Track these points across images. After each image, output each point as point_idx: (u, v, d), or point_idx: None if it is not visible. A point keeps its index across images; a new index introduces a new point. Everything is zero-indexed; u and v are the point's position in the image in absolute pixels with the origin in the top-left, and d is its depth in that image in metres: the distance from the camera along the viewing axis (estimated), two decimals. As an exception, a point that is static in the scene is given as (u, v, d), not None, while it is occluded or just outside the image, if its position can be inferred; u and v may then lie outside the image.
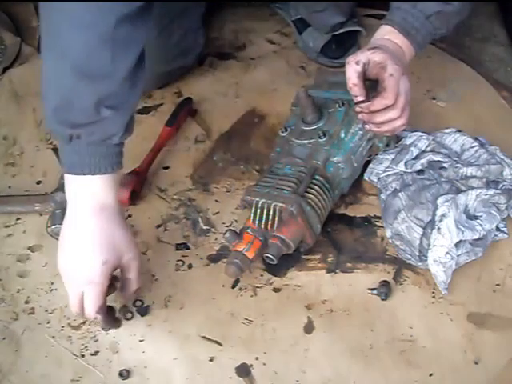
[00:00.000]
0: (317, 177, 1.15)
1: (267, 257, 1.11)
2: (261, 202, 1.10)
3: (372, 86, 1.11)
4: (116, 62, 0.92)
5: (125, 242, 1.01)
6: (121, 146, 1.00)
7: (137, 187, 1.27)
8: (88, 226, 0.98)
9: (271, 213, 1.09)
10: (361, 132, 1.19)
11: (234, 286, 1.16)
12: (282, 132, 1.21)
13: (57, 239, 1.22)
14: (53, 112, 0.94)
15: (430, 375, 1.04)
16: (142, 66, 0.98)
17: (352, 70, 1.08)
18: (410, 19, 1.11)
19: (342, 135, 1.18)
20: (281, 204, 1.08)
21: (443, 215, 1.10)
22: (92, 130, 0.95)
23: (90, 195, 0.98)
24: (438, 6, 1.11)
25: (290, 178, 1.13)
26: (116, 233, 1.00)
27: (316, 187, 1.13)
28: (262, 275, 1.18)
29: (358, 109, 1.11)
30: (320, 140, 1.16)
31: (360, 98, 1.09)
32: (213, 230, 1.25)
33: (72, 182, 0.98)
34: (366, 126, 1.14)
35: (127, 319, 1.13)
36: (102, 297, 1.00)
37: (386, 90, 1.07)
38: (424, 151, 1.22)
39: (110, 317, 1.06)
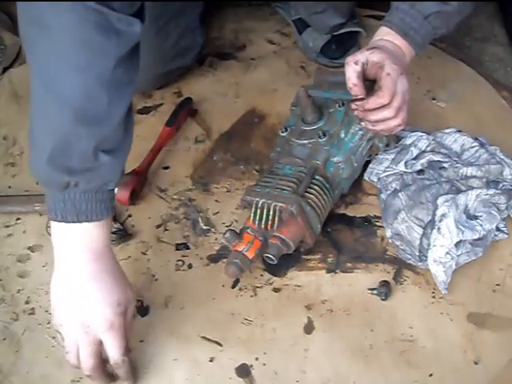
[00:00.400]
0: (317, 177, 1.15)
1: (267, 257, 1.11)
2: (261, 202, 1.10)
3: (371, 86, 1.11)
4: (113, 104, 0.88)
5: (126, 284, 0.99)
6: (114, 190, 0.97)
7: (137, 187, 1.28)
8: (91, 272, 0.93)
9: (271, 213, 1.09)
10: (361, 132, 1.19)
11: (234, 286, 1.16)
12: (282, 132, 1.21)
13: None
14: (48, 158, 0.88)
15: (430, 375, 1.04)
16: (132, 108, 0.96)
17: (351, 70, 1.08)
18: (408, 20, 1.11)
19: (342, 135, 1.18)
20: (281, 204, 1.08)
21: (443, 215, 1.10)
22: (90, 177, 0.91)
23: (87, 241, 0.93)
24: (436, 6, 1.10)
25: (290, 178, 1.13)
26: (117, 275, 0.97)
27: (316, 187, 1.13)
28: (262, 275, 1.18)
29: (353, 106, 1.11)
30: (320, 140, 1.16)
31: (357, 97, 1.09)
32: (213, 229, 1.25)
33: (63, 231, 0.93)
34: (362, 123, 1.15)
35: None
36: (124, 338, 0.95)
37: (381, 89, 1.07)
38: (424, 151, 1.22)
39: (309, 102, 1.12)
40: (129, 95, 0.93)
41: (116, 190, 1.18)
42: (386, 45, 1.11)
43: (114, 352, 0.95)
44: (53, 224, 0.93)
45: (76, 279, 0.93)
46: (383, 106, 1.08)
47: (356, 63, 1.08)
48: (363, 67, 1.08)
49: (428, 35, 1.14)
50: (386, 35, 1.13)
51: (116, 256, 0.99)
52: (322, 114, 1.20)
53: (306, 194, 1.12)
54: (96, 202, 0.92)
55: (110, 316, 0.93)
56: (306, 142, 1.18)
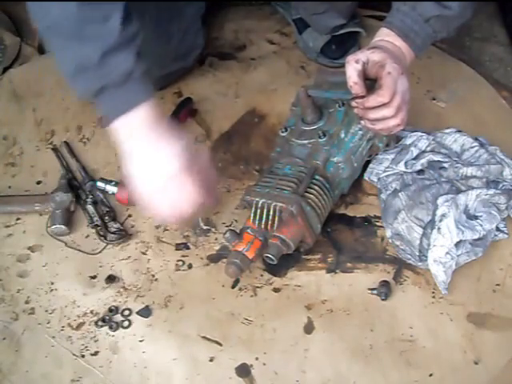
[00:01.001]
0: (317, 177, 1.15)
1: (267, 257, 1.11)
2: (261, 202, 1.10)
3: (372, 85, 1.11)
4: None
5: (181, 138, 1.05)
6: (144, 75, 1.03)
7: None
8: (159, 142, 1.02)
9: (271, 213, 1.09)
10: (361, 132, 1.19)
11: (233, 286, 1.16)
12: (282, 132, 1.21)
13: (57, 239, 1.23)
14: (71, 79, 1.01)
15: (430, 375, 1.04)
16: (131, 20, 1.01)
17: (352, 68, 1.08)
18: (408, 22, 1.11)
19: (342, 135, 1.18)
20: (281, 204, 1.08)
21: (443, 215, 1.10)
22: (111, 77, 0.99)
23: (144, 122, 1.02)
24: (436, 10, 1.10)
25: (290, 178, 1.13)
26: (185, 140, 1.05)
27: (316, 187, 1.13)
28: (262, 275, 1.18)
29: (353, 104, 1.11)
30: (320, 140, 1.16)
31: (358, 95, 1.09)
32: (213, 229, 1.25)
33: (121, 126, 1.02)
34: (362, 122, 1.15)
35: (125, 323, 1.13)
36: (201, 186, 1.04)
37: (381, 88, 1.07)
38: (424, 151, 1.22)
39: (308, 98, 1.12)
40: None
41: (116, 190, 1.18)
42: (386, 45, 1.11)
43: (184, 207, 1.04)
44: (112, 126, 1.02)
45: (147, 156, 1.02)
46: (383, 105, 1.08)
47: (357, 62, 1.08)
48: (364, 66, 1.08)
49: (428, 38, 1.14)
50: (386, 36, 1.13)
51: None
52: (322, 114, 1.20)
53: (306, 194, 1.12)
54: (133, 91, 1.01)
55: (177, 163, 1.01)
56: (305, 142, 1.18)
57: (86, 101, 1.44)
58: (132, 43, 1.01)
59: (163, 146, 1.03)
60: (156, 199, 1.05)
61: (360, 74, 1.08)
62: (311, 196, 1.12)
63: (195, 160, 1.05)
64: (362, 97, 1.09)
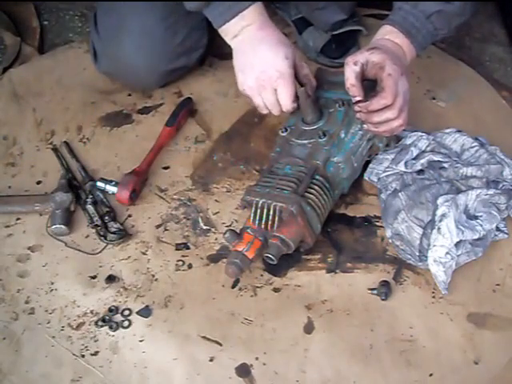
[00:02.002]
0: (317, 177, 1.15)
1: (267, 257, 1.11)
2: (261, 202, 1.10)
3: (370, 86, 1.11)
4: None
5: (289, 44, 1.15)
6: None
7: (137, 187, 1.28)
8: (259, 38, 1.14)
9: (271, 213, 1.09)
10: (361, 132, 1.19)
11: (234, 286, 1.16)
12: (282, 132, 1.21)
13: (57, 239, 1.23)
14: None
15: (430, 375, 1.04)
16: None
17: (350, 70, 1.08)
18: (410, 19, 1.11)
19: (342, 135, 1.18)
20: (281, 204, 1.08)
21: (443, 215, 1.10)
22: None
23: (249, 22, 1.14)
24: (438, 5, 1.11)
25: (290, 177, 1.13)
26: (281, 37, 1.15)
27: (316, 187, 1.13)
28: (262, 275, 1.18)
29: (356, 108, 1.11)
30: (320, 140, 1.16)
31: (358, 98, 1.10)
32: (213, 229, 1.25)
33: (229, 28, 1.15)
34: (364, 125, 1.15)
35: (125, 324, 1.13)
36: (294, 87, 1.14)
37: (384, 90, 1.07)
38: (424, 151, 1.22)
39: (308, 102, 1.16)
40: None
41: (116, 190, 1.18)
42: (386, 44, 1.12)
43: (283, 100, 1.14)
44: (223, 30, 1.16)
45: (248, 50, 1.15)
46: (386, 107, 1.09)
47: (355, 64, 1.08)
48: (362, 68, 1.08)
49: (429, 35, 1.14)
50: (387, 34, 1.13)
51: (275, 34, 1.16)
52: (321, 114, 1.20)
53: (306, 193, 1.12)
54: None
55: (278, 68, 1.12)
56: (306, 141, 1.18)
57: (86, 100, 1.45)
58: None
59: (266, 46, 1.13)
60: (255, 93, 1.16)
61: (358, 76, 1.08)
62: (311, 196, 1.12)
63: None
64: (365, 100, 1.09)
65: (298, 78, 1.17)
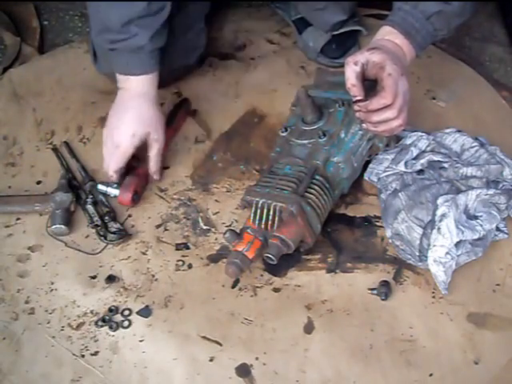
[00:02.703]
0: (317, 177, 1.15)
1: (267, 257, 1.11)
2: (261, 202, 1.10)
3: (370, 85, 1.11)
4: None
5: (154, 125, 1.25)
6: (155, 52, 1.24)
7: (139, 188, 1.28)
8: (127, 107, 1.24)
9: (271, 213, 1.09)
10: (361, 132, 1.19)
11: (234, 286, 1.16)
12: (282, 132, 1.21)
13: (57, 239, 1.23)
14: (96, 34, 1.27)
15: (430, 375, 1.04)
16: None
17: (350, 70, 1.09)
18: (410, 19, 1.12)
19: (342, 135, 1.18)
20: (281, 204, 1.08)
21: (443, 215, 1.10)
22: (125, 44, 1.21)
23: (133, 87, 1.24)
24: (438, 6, 1.11)
25: (290, 177, 1.13)
26: (149, 115, 1.25)
27: (316, 187, 1.13)
28: (262, 275, 1.18)
29: (356, 107, 1.11)
30: (320, 140, 1.16)
31: (359, 98, 1.10)
32: (213, 229, 1.25)
33: (121, 79, 1.26)
34: (364, 125, 1.15)
35: (124, 325, 1.13)
36: (123, 161, 1.25)
37: (384, 90, 1.07)
38: (424, 151, 1.22)
39: (309, 102, 1.17)
40: None
41: (118, 192, 1.19)
42: (386, 44, 1.12)
43: (110, 165, 1.26)
44: (117, 75, 1.27)
45: (116, 111, 1.26)
46: (385, 107, 1.09)
47: (355, 64, 1.08)
48: (363, 68, 1.08)
49: (429, 36, 1.14)
50: (387, 34, 1.13)
51: (157, 107, 1.27)
52: (322, 114, 1.20)
53: (306, 194, 1.12)
54: (137, 61, 1.23)
55: (120, 140, 1.24)
56: (306, 141, 1.18)
57: (86, 100, 1.45)
58: (155, 17, 1.20)
59: (127, 117, 1.24)
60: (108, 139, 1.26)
61: (358, 76, 1.08)
62: (311, 196, 1.12)
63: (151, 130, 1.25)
64: (365, 100, 1.09)
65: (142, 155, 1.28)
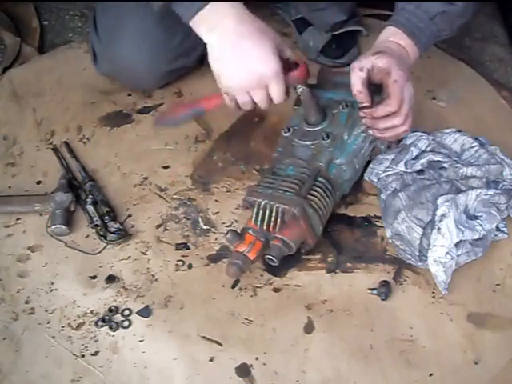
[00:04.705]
0: (319, 179, 1.14)
1: (268, 258, 1.10)
2: (263, 203, 1.10)
3: (376, 89, 1.11)
4: None
5: (271, 31, 1.08)
6: None
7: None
8: (240, 33, 1.05)
9: (273, 214, 1.09)
10: (364, 134, 1.19)
11: (233, 286, 1.16)
12: (285, 132, 1.21)
13: (57, 239, 1.23)
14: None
15: (430, 375, 1.04)
16: None
17: (356, 76, 1.08)
18: (414, 20, 1.11)
19: (345, 137, 1.17)
20: (283, 206, 1.08)
21: (443, 215, 1.10)
22: None
23: (225, 13, 1.05)
24: (441, 7, 1.11)
25: (293, 179, 1.13)
26: (262, 25, 1.07)
27: (318, 189, 1.13)
28: (262, 275, 1.18)
29: (361, 114, 1.11)
30: (323, 141, 1.15)
31: (365, 104, 1.09)
32: (213, 229, 1.25)
33: (202, 20, 1.06)
34: (370, 131, 1.15)
35: (125, 324, 1.13)
36: (284, 81, 1.08)
37: (389, 97, 1.07)
38: (424, 151, 1.22)
39: (312, 103, 1.13)
40: None
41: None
42: (391, 46, 1.11)
43: (276, 95, 1.09)
44: (195, 21, 1.07)
45: (230, 43, 1.05)
46: (392, 114, 1.09)
47: (361, 70, 1.08)
48: (368, 73, 1.08)
49: (432, 36, 1.14)
50: (391, 35, 1.13)
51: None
52: (325, 115, 1.19)
53: (309, 196, 1.12)
54: None
55: (270, 64, 1.05)
56: (309, 143, 1.17)
57: (86, 100, 1.45)
58: None
59: (249, 42, 1.05)
60: (242, 92, 1.09)
61: (364, 82, 1.08)
62: (314, 198, 1.12)
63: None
64: (370, 107, 1.09)
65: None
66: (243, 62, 1.06)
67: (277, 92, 1.08)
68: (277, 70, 1.06)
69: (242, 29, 1.05)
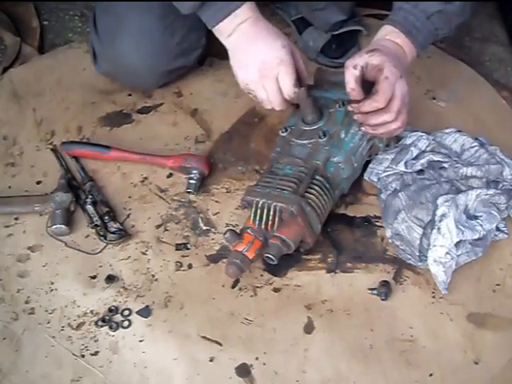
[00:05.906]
0: (317, 177, 1.15)
1: (267, 257, 1.11)
2: (261, 202, 1.10)
3: (371, 87, 1.11)
4: None
5: (284, 37, 1.15)
6: None
7: None
8: (254, 33, 1.14)
9: (271, 213, 1.09)
10: (361, 132, 1.19)
11: (233, 286, 1.16)
12: (283, 132, 1.21)
13: (57, 239, 1.23)
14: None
15: (430, 375, 1.05)
16: None
17: (350, 74, 1.09)
18: (411, 18, 1.12)
19: (342, 135, 1.18)
20: (281, 204, 1.08)
21: (443, 215, 1.10)
22: None
23: (242, 19, 1.13)
24: (439, 5, 1.11)
25: (291, 178, 1.13)
26: (275, 29, 1.16)
27: (316, 187, 1.13)
28: (262, 275, 1.18)
29: (349, 108, 1.12)
30: (320, 140, 1.16)
31: (352, 99, 1.10)
32: (213, 230, 1.25)
33: (223, 28, 1.15)
34: (362, 128, 1.15)
35: (125, 324, 1.13)
36: (294, 72, 1.14)
37: (377, 93, 1.07)
38: (424, 151, 1.22)
39: (309, 102, 1.16)
40: None
41: None
42: (387, 45, 1.12)
43: (285, 85, 1.14)
44: (218, 29, 1.16)
45: (246, 43, 1.15)
46: (382, 111, 1.09)
47: (355, 67, 1.08)
48: (362, 71, 1.08)
49: (430, 35, 1.14)
50: (388, 34, 1.13)
51: None
52: (322, 114, 1.20)
53: (307, 194, 1.12)
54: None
55: (279, 56, 1.12)
56: (306, 142, 1.18)
57: (86, 100, 1.45)
58: None
59: (262, 39, 1.14)
60: (259, 86, 1.15)
61: (358, 80, 1.09)
62: (311, 196, 1.12)
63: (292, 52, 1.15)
64: (358, 101, 1.09)
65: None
66: (255, 56, 1.13)
67: (285, 81, 1.13)
68: (283, 59, 1.12)
69: (256, 29, 1.14)
